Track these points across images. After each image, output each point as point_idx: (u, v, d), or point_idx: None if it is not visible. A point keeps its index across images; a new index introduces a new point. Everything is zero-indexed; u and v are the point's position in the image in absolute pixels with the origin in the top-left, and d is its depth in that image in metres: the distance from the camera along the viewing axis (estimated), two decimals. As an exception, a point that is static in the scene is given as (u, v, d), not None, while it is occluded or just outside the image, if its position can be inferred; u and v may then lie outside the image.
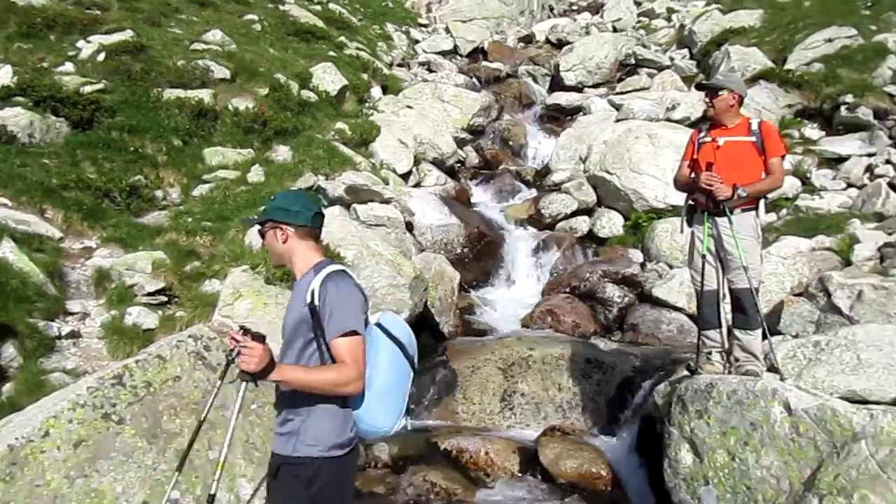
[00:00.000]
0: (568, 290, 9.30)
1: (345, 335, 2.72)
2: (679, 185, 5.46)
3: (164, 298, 7.07)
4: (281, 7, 17.26)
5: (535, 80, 18.39)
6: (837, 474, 3.82)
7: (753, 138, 5.04)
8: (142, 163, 9.57)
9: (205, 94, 11.08)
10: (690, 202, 5.31)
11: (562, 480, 5.84)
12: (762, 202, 5.14)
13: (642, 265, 9.75)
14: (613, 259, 10.04)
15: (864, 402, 5.36)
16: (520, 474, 6.05)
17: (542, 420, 6.88)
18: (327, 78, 13.09)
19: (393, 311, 3.11)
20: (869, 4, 17.81)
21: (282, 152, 10.55)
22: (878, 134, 11.80)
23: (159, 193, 9.36)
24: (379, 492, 5.65)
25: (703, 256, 5.13)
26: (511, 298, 9.71)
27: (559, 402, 6.96)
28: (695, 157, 5.20)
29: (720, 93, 5.16)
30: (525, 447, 6.26)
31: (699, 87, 5.59)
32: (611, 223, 11.22)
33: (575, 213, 11.41)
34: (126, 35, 11.83)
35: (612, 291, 9.07)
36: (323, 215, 3.05)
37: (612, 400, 6.81)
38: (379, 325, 2.93)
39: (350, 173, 10.18)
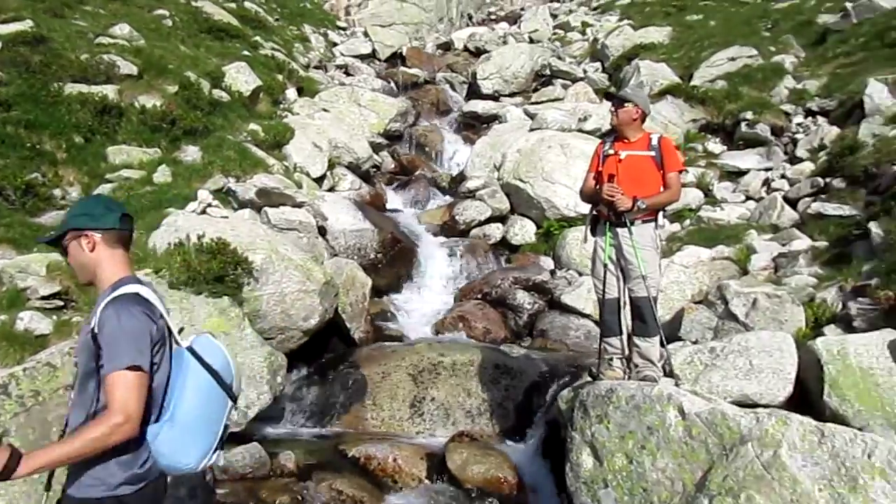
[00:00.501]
0: (480, 296, 9.39)
1: (120, 371, 2.41)
2: (584, 196, 5.65)
3: (60, 303, 6.73)
4: (194, 3, 16.80)
5: (452, 87, 18.56)
6: (726, 475, 4.00)
7: (653, 153, 5.26)
8: (39, 160, 9.11)
9: (109, 91, 10.64)
10: (594, 213, 5.48)
11: (469, 486, 5.88)
12: (661, 214, 5.35)
13: (553, 272, 9.95)
14: (525, 266, 10.20)
15: (756, 405, 5.63)
16: (427, 480, 6.06)
17: (452, 426, 6.91)
18: (241, 78, 12.81)
19: (209, 334, 2.82)
20: (769, 26, 18.77)
21: (191, 153, 10.25)
22: (774, 150, 12.43)
23: (58, 192, 8.93)
24: (284, 501, 5.55)
25: (605, 266, 5.30)
26: (423, 304, 9.73)
27: (468, 407, 7.02)
28: (599, 169, 5.39)
29: (626, 104, 5.36)
30: (433, 453, 6.28)
31: (608, 96, 5.78)
32: (523, 230, 11.41)
33: (489, 220, 11.55)
34: (25, 25, 11.25)
35: (523, 298, 9.22)
36: (131, 217, 2.77)
37: (519, 405, 6.91)
38: (191, 349, 2.65)
39: (262, 176, 9.99)
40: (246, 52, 14.95)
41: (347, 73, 18.55)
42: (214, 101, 11.92)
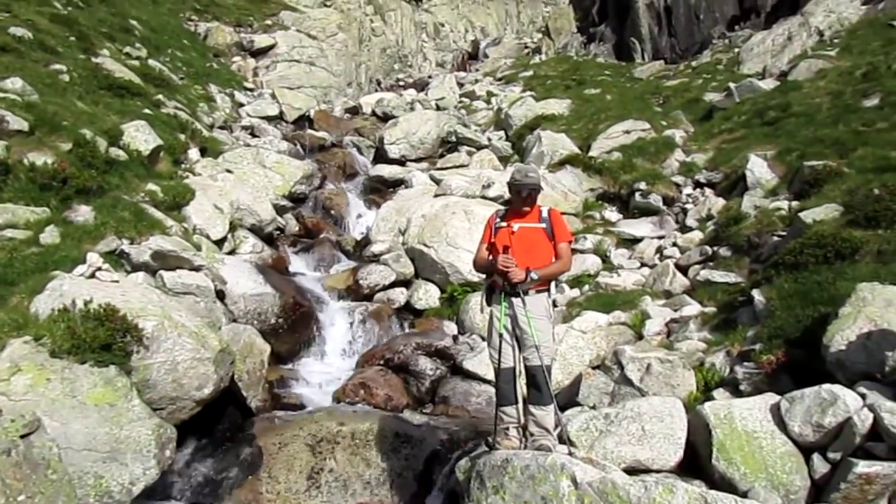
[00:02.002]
0: (382, 362, 9.30)
1: None
2: (478, 266, 5.79)
3: None
4: (94, 59, 16.38)
5: (359, 150, 18.70)
6: (617, 546, 4.03)
7: (544, 225, 5.46)
8: (-86, 217, 8.55)
9: (-4, 147, 10.16)
10: (489, 283, 5.58)
11: (366, 561, 5.72)
12: (554, 284, 5.50)
13: (455, 337, 9.99)
14: (428, 331, 10.21)
15: (648, 470, 5.76)
16: (323, 557, 5.85)
17: (350, 497, 6.75)
18: (140, 136, 12.48)
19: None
20: (661, 102, 19.97)
21: (83, 213, 9.83)
22: (666, 219, 13.07)
23: (-68, 253, 8.37)
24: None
25: (500, 335, 5.38)
26: (325, 371, 9.54)
27: (368, 478, 6.87)
28: (492, 240, 5.52)
29: (538, 192, 5.58)
30: (330, 528, 6.08)
31: (520, 185, 5.66)
32: (427, 295, 11.46)
33: (393, 285, 11.55)
34: None
35: (425, 364, 9.19)
36: None
37: (419, 475, 6.82)
38: None
39: (159, 238, 9.68)
40: (147, 111, 14.63)
41: (253, 135, 18.41)
42: (111, 159, 11.54)
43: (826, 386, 5.74)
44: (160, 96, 16.45)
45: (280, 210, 13.64)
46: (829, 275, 7.87)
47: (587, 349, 8.65)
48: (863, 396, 5.67)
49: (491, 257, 5.48)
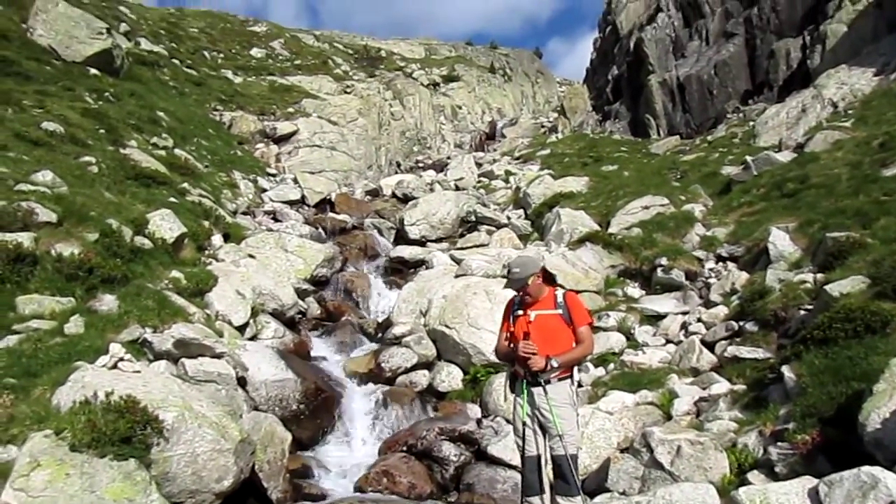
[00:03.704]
0: (405, 448, 9.12)
1: None
2: (499, 355, 5.75)
3: None
4: (122, 150, 16.90)
5: (380, 232, 18.90)
6: None
7: (560, 311, 5.41)
8: (-56, 310, 8.68)
9: (25, 238, 10.37)
10: (511, 371, 5.52)
11: None
12: (577, 369, 5.41)
13: (479, 421, 9.80)
14: (451, 415, 10.04)
15: (684, 563, 5.50)
16: None
17: (375, 593, 6.50)
18: (165, 225, 12.73)
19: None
20: (678, 177, 20.07)
21: (107, 302, 9.94)
22: (689, 294, 12.93)
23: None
24: None
25: (524, 423, 5.27)
26: (347, 458, 9.37)
27: (393, 572, 6.64)
28: (511, 329, 5.48)
29: (528, 284, 5.52)
30: None
31: (507, 286, 5.79)
32: (450, 377, 11.33)
33: (415, 367, 11.44)
34: (-59, 173, 11.06)
35: (449, 450, 8.99)
36: None
37: (445, 569, 6.58)
38: None
39: (181, 325, 9.73)
40: (172, 199, 14.97)
41: (276, 219, 18.72)
42: (136, 248, 11.75)
43: (866, 468, 5.51)
44: (185, 184, 16.84)
45: (302, 294, 13.70)
46: (861, 349, 7.67)
47: (614, 431, 8.44)
48: (905, 479, 5.43)
49: (511, 345, 5.43)
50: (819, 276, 10.62)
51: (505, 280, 5.72)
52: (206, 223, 14.86)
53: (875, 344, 7.68)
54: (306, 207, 21.05)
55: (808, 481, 5.83)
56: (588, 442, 8.18)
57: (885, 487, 5.26)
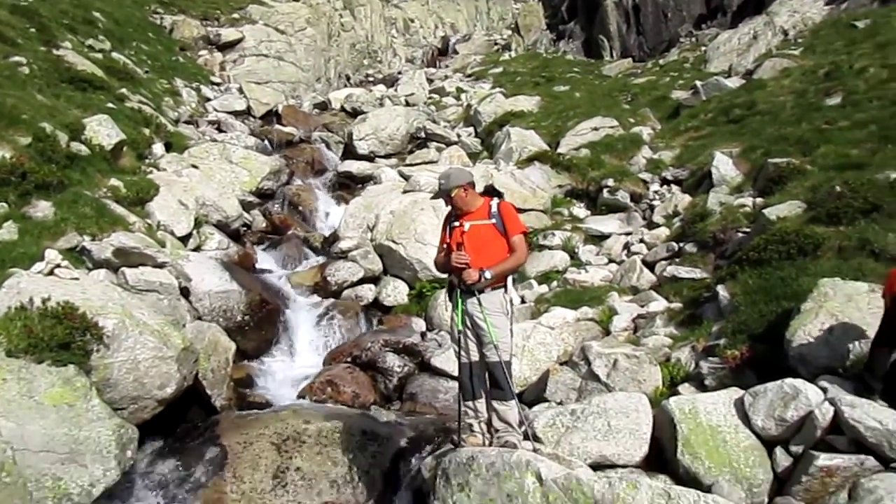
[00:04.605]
0: (350, 359, 9.22)
1: None
2: (438, 267, 5.82)
3: None
4: (55, 52, 16.02)
5: (328, 146, 18.58)
6: (582, 541, 4.04)
7: (494, 220, 5.44)
8: None
9: (-49, 141, 9.91)
10: (448, 281, 5.58)
11: (332, 559, 5.65)
12: (511, 279, 5.49)
13: (424, 334, 9.95)
14: (396, 328, 10.16)
15: (614, 466, 5.78)
16: (289, 556, 5.78)
17: (316, 496, 6.65)
18: (103, 131, 12.23)
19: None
20: (629, 100, 20.10)
21: (42, 208, 9.61)
22: (634, 215, 13.16)
23: None
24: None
25: (461, 332, 5.38)
26: (291, 368, 9.45)
27: (334, 476, 6.79)
28: (447, 241, 5.52)
29: (451, 195, 5.51)
30: (296, 528, 6.01)
31: (434, 197, 5.88)
32: (396, 292, 11.41)
33: (361, 281, 11.48)
34: None
35: (393, 361, 9.14)
36: None
37: (386, 473, 6.76)
38: None
39: (121, 234, 9.50)
40: (110, 105, 14.36)
41: (220, 130, 18.18)
42: (72, 154, 11.29)
43: (788, 380, 5.81)
44: (124, 90, 16.15)
45: (247, 206, 13.49)
46: (792, 271, 7.99)
47: (555, 345, 8.66)
48: (824, 390, 5.76)
49: (447, 256, 5.49)
50: (758, 200, 10.91)
51: (438, 190, 5.72)
52: (147, 131, 14.35)
53: (806, 266, 8.00)
54: (252, 119, 20.47)
55: (734, 392, 6.14)
56: (529, 355, 8.39)
57: (805, 398, 5.58)
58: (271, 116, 20.89)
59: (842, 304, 6.65)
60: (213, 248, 11.35)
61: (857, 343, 6.26)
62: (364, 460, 6.86)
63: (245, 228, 13.10)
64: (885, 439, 5.16)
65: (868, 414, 5.26)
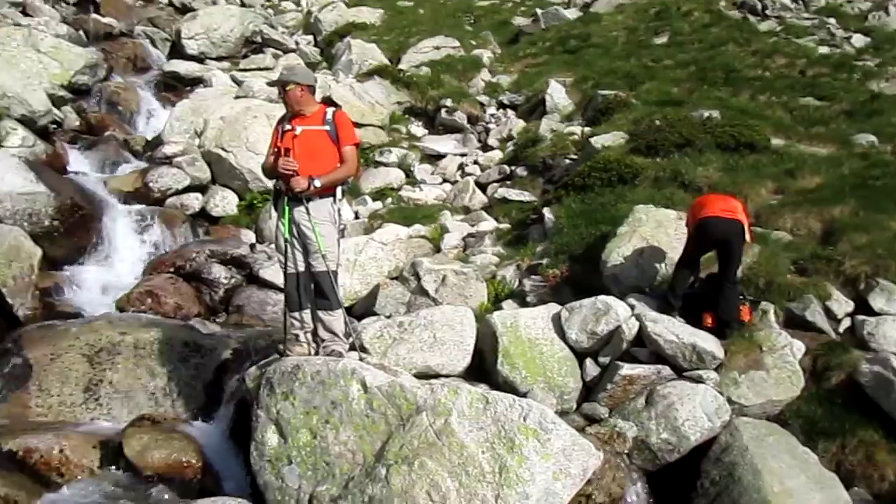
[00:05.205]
0: (172, 269, 8.79)
1: None
2: (266, 172, 5.63)
3: None
4: None
5: (153, 43, 17.13)
6: (402, 444, 4.18)
7: (328, 127, 5.30)
8: None
9: None
10: (276, 189, 5.41)
11: (149, 472, 5.47)
12: (339, 189, 5.41)
13: (253, 246, 9.65)
14: (223, 239, 9.80)
15: (438, 375, 6.00)
16: (100, 470, 5.54)
17: (135, 409, 6.40)
18: None
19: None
20: (472, 22, 20.09)
21: None
22: (469, 137, 13.35)
23: None
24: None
25: (287, 240, 5.27)
26: (108, 278, 8.86)
27: (152, 389, 6.55)
28: (279, 145, 5.32)
29: (288, 87, 5.31)
30: (109, 440, 5.74)
31: (271, 84, 5.71)
32: (225, 202, 10.97)
33: (187, 189, 10.88)
34: None
35: (219, 272, 8.83)
36: None
37: (208, 385, 6.60)
38: None
39: None
40: None
41: (25, 13, 16.17)
42: None
43: (602, 297, 6.26)
44: None
45: (57, 102, 12.23)
46: (612, 197, 8.50)
47: (386, 261, 8.72)
48: (632, 307, 6.27)
49: (275, 161, 5.29)
50: (587, 129, 11.42)
51: (279, 78, 5.49)
52: (-67, 7, 12.54)
53: (625, 193, 8.54)
54: (65, 5, 18.33)
55: (553, 307, 6.52)
56: (360, 270, 8.41)
57: (615, 313, 6.05)
58: (88, 3, 18.83)
59: (653, 229, 7.19)
60: (16, 145, 10.26)
61: (662, 265, 6.84)
62: (185, 372, 6.66)
63: (55, 126, 11.90)
64: (679, 351, 5.73)
65: (667, 328, 5.80)
